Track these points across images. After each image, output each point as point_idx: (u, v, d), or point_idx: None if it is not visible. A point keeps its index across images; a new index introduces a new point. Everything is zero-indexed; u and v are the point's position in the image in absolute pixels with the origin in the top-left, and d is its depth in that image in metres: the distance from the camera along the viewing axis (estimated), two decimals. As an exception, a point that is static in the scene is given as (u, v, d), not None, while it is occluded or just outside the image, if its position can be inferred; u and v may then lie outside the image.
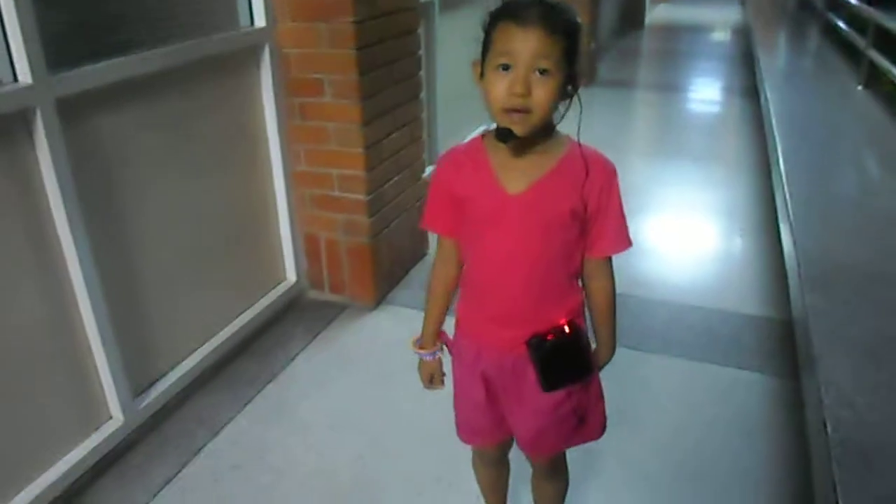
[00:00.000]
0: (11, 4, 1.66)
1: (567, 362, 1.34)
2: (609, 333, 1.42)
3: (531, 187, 1.24)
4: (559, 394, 1.36)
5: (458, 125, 4.68)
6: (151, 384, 2.32)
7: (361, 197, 2.75)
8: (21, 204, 1.81)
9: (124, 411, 2.17)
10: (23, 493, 1.91)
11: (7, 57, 1.72)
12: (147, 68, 2.09)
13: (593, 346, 1.40)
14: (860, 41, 4.59)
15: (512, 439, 1.56)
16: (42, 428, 1.97)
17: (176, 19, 2.29)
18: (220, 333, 2.59)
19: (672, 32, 11.41)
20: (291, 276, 2.97)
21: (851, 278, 2.05)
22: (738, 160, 4.91)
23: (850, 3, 5.52)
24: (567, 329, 1.32)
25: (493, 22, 1.18)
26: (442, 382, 1.55)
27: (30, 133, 1.78)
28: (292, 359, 2.65)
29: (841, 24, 5.77)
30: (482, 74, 1.20)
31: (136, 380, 2.24)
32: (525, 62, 1.13)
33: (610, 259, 1.36)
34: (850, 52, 5.22)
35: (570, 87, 1.20)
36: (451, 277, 1.44)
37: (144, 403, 2.25)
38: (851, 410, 1.47)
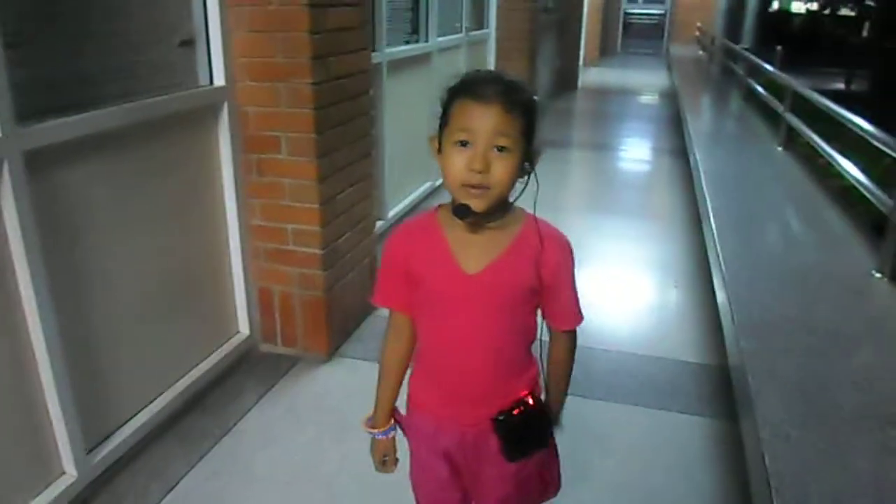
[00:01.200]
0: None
1: (531, 433, 1.33)
2: (563, 390, 1.42)
3: (489, 266, 1.23)
4: (521, 461, 1.35)
5: (404, 182, 4.82)
6: (104, 438, 2.29)
7: (316, 251, 2.81)
8: (-18, 256, 1.82)
9: (77, 466, 2.14)
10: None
11: (-24, 111, 1.75)
12: (111, 123, 2.13)
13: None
14: (779, 106, 4.95)
15: None
16: (-7, 485, 1.93)
17: (139, 77, 2.36)
18: (174, 386, 2.58)
19: (603, 94, 11.95)
20: (244, 329, 2.99)
21: (779, 325, 2.22)
22: (670, 216, 5.16)
23: (768, 70, 5.95)
24: (531, 401, 1.31)
25: (452, 98, 1.19)
26: (395, 463, 1.50)
27: (-6, 185, 1.80)
28: (246, 412, 2.65)
29: (760, 90, 6.20)
30: (440, 149, 1.20)
31: (90, 434, 2.21)
32: (484, 139, 1.13)
33: (567, 333, 1.36)
34: (770, 116, 5.61)
35: (527, 164, 1.21)
36: (403, 354, 1.40)
37: (98, 458, 2.22)
38: (787, 443, 1.59)
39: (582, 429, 2.52)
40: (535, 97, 1.23)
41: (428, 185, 5.35)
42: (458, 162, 1.15)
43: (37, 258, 1.90)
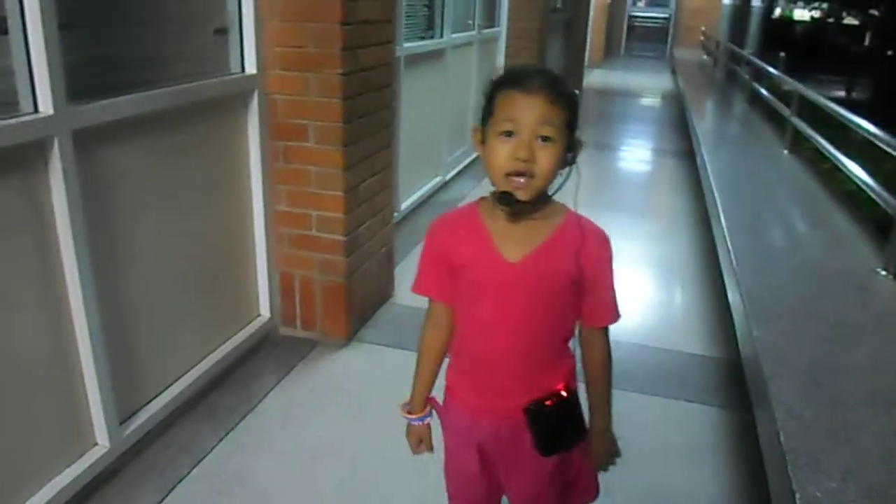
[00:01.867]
0: (40, 39, 1.78)
1: (565, 426, 1.34)
2: (606, 400, 1.40)
3: (530, 255, 1.24)
4: (555, 457, 1.36)
5: (416, 176, 4.91)
6: (136, 411, 2.37)
7: (339, 237, 2.89)
8: (31, 227, 1.89)
9: (110, 438, 2.22)
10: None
11: (30, 88, 1.83)
12: (151, 106, 2.21)
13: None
14: (785, 110, 5.04)
15: None
16: (31, 451, 2.00)
17: (176, 63, 2.43)
18: (200, 364, 2.66)
19: (607, 96, 12.05)
20: (265, 312, 3.07)
21: (789, 315, 2.31)
22: (673, 215, 5.25)
23: (775, 74, 6.04)
24: (564, 393, 1.32)
25: (497, 89, 1.22)
26: (431, 448, 1.51)
27: (45, 161, 1.87)
28: (268, 392, 2.73)
29: (765, 94, 6.30)
30: (483, 140, 1.23)
31: (123, 407, 2.29)
32: (529, 128, 1.16)
33: (606, 328, 1.36)
34: (776, 120, 5.70)
35: (569, 155, 1.23)
36: (441, 343, 1.41)
37: (129, 430, 2.30)
38: (799, 422, 1.68)
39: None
40: (576, 92, 1.26)
41: (438, 179, 5.43)
42: (503, 151, 1.17)
43: (81, 233, 1.98)
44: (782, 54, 6.66)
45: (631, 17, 20.95)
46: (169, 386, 2.52)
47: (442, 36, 5.18)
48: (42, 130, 1.83)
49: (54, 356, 2.04)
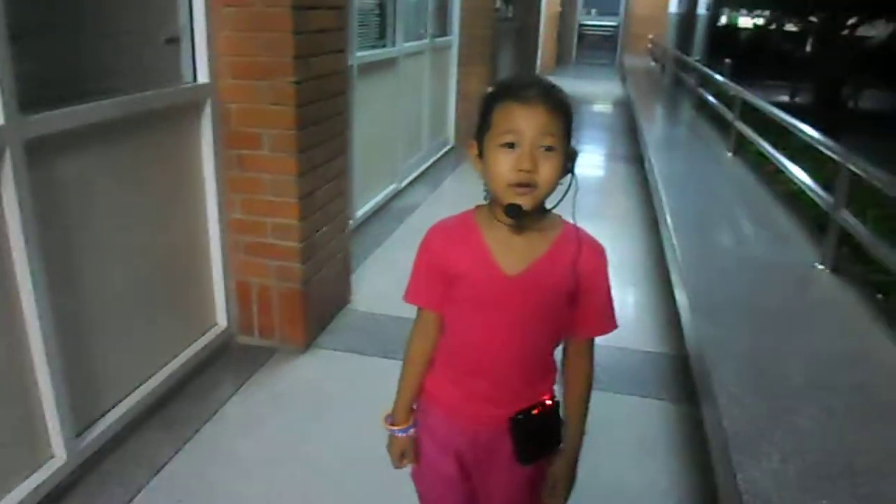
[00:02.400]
0: (-12, 50, 1.78)
1: (546, 435, 1.35)
2: (583, 415, 1.39)
3: (529, 268, 1.24)
4: (532, 465, 1.36)
5: (371, 183, 4.94)
6: (92, 423, 2.35)
7: (295, 244, 2.91)
8: (-18, 240, 1.88)
9: (67, 449, 2.20)
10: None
11: (-20, 101, 1.82)
12: (103, 116, 2.21)
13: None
14: (728, 114, 5.22)
15: None
16: (-13, 464, 1.98)
17: (127, 73, 2.44)
18: (157, 374, 2.65)
19: (560, 103, 12.21)
20: (222, 321, 3.06)
21: (732, 308, 2.41)
22: (625, 218, 5.38)
23: (720, 80, 6.24)
24: (549, 403, 1.33)
25: (493, 103, 1.21)
26: (413, 461, 1.49)
27: (-5, 171, 1.87)
28: (227, 400, 2.73)
29: (711, 99, 6.49)
30: (480, 153, 1.23)
31: (79, 419, 2.27)
32: (531, 140, 1.16)
33: (593, 341, 1.37)
34: (720, 124, 5.89)
35: (569, 164, 1.23)
36: (428, 353, 1.40)
37: (86, 442, 2.28)
38: (741, 408, 1.77)
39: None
40: (571, 101, 1.24)
41: (393, 186, 5.47)
42: (505, 163, 1.17)
43: (34, 243, 1.97)
44: (728, 60, 6.86)
45: (581, 25, 21.31)
46: (126, 396, 2.50)
47: (394, 44, 5.23)
48: (-9, 141, 1.83)
49: (8, 367, 2.02)
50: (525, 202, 1.18)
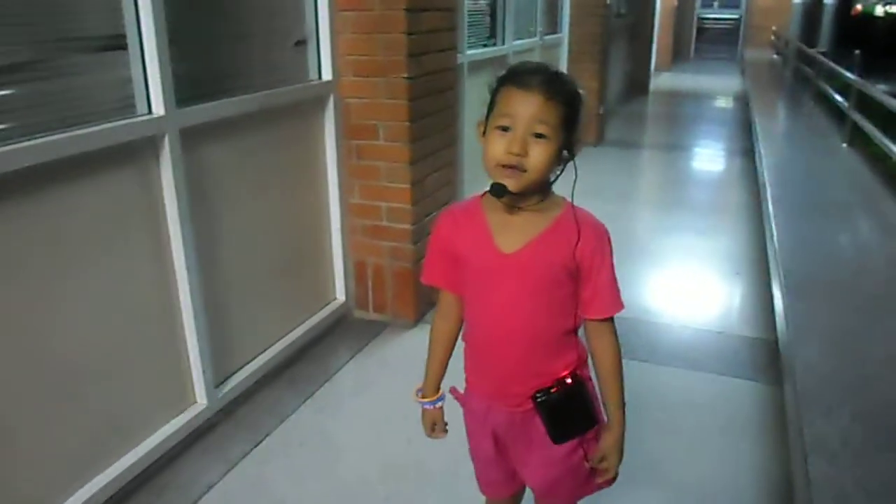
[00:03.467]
0: (154, 51, 2.12)
1: (574, 413, 1.36)
2: (618, 398, 1.39)
3: (525, 246, 1.28)
4: (570, 444, 1.38)
5: (479, 176, 5.15)
6: (228, 377, 2.70)
7: (407, 226, 3.18)
8: (146, 211, 2.24)
9: (208, 397, 2.55)
10: (125, 457, 2.25)
11: (145, 93, 2.18)
12: (243, 109, 2.55)
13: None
14: (844, 104, 5.08)
15: (524, 492, 1.61)
16: (144, 405, 2.34)
17: (264, 72, 2.77)
18: (283, 339, 2.98)
19: (675, 98, 12.05)
20: (341, 296, 3.38)
21: (823, 289, 2.46)
22: (737, 211, 5.34)
23: (839, 72, 6.05)
24: (569, 380, 1.34)
25: (499, 86, 1.26)
26: (444, 431, 1.57)
27: (157, 155, 2.22)
28: (344, 365, 3.03)
29: (830, 91, 6.30)
30: (485, 133, 1.28)
31: (217, 372, 2.62)
32: (523, 124, 1.19)
33: (611, 319, 1.36)
34: (838, 115, 5.72)
35: (565, 153, 1.26)
36: (449, 333, 1.48)
37: (223, 392, 2.63)
38: (818, 376, 1.86)
39: (644, 388, 2.79)
40: (581, 90, 1.27)
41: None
42: (498, 145, 1.21)
43: (186, 216, 2.32)
44: (857, 52, 6.58)
45: (700, 18, 20.71)
46: (257, 356, 2.84)
47: (504, 43, 5.43)
48: (155, 128, 2.18)
49: (163, 324, 2.38)
50: (510, 184, 1.21)
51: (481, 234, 1.30)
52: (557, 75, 1.24)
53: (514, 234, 1.29)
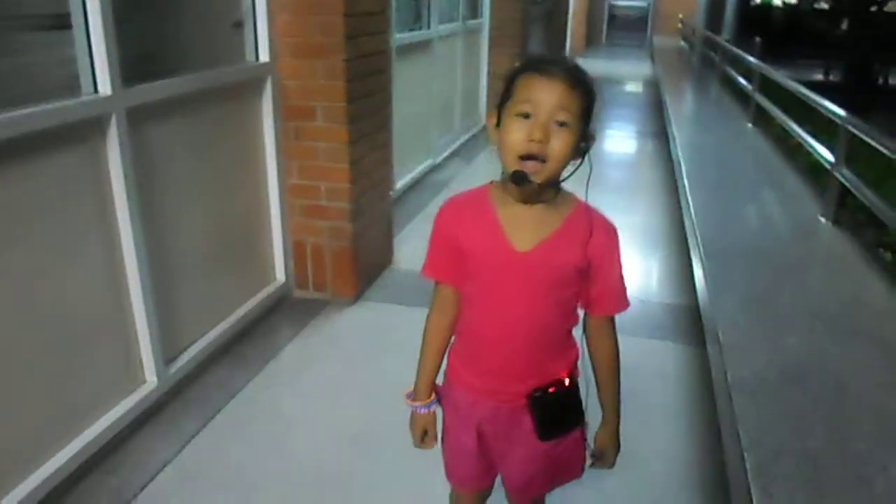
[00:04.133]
0: (100, 31, 2.13)
1: (565, 413, 1.37)
2: (615, 397, 1.42)
3: (539, 245, 1.25)
4: (550, 441, 1.39)
5: (408, 158, 5.27)
6: (177, 356, 2.73)
7: (345, 205, 3.26)
8: (92, 191, 2.24)
9: (158, 376, 2.57)
10: (77, 439, 2.26)
11: (91, 73, 2.18)
12: (185, 88, 2.57)
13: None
14: (748, 86, 5.44)
15: (492, 488, 1.60)
16: (93, 385, 2.34)
17: (202, 53, 2.79)
18: (228, 318, 3.02)
19: (590, 84, 12.41)
20: (281, 276, 3.43)
21: (738, 253, 2.70)
22: (651, 189, 5.64)
23: (743, 57, 6.45)
24: (567, 382, 1.35)
25: (517, 75, 1.22)
26: (434, 440, 1.51)
27: (104, 135, 2.23)
28: (289, 342, 3.10)
29: (733, 74, 6.70)
30: (498, 123, 1.23)
31: (166, 350, 2.64)
32: (546, 111, 1.16)
33: (613, 318, 1.38)
34: (743, 98, 6.10)
35: (583, 144, 1.23)
36: (446, 329, 1.42)
37: (172, 370, 2.66)
38: (736, 328, 2.07)
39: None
40: (595, 85, 1.25)
41: (429, 162, 5.79)
42: (518, 132, 1.17)
43: (133, 194, 2.33)
44: (758, 39, 6.99)
45: (611, 6, 21.37)
46: (203, 335, 2.88)
47: (429, 27, 5.54)
48: (102, 108, 2.19)
49: (111, 302, 2.39)
50: (534, 175, 1.18)
51: (492, 230, 1.26)
52: (577, 67, 1.22)
53: (527, 230, 1.25)
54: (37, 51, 2.11)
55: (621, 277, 1.34)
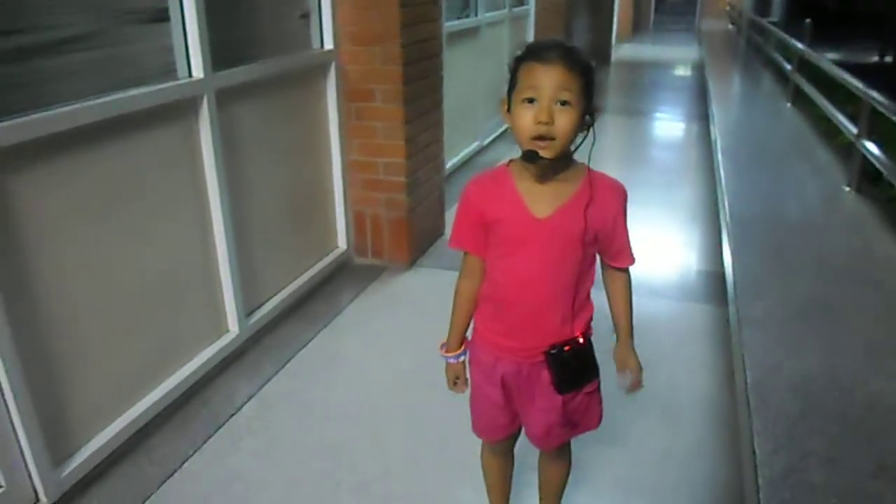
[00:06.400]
0: (195, 21, 2.48)
1: (581, 368, 1.51)
2: (628, 311, 1.57)
3: (556, 212, 1.39)
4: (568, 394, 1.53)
5: (457, 140, 5.57)
6: (255, 309, 3.09)
7: (402, 179, 3.58)
8: (187, 161, 2.60)
9: (240, 326, 2.94)
10: (175, 375, 2.63)
11: (186, 58, 2.53)
12: (262, 73, 2.92)
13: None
14: (787, 67, 5.58)
15: (519, 432, 1.74)
16: (186, 332, 2.71)
17: (278, 41, 3.13)
18: (296, 281, 3.38)
19: (636, 68, 12.52)
20: (342, 244, 3.78)
21: (762, 218, 2.93)
22: (694, 169, 5.82)
23: (786, 40, 6.55)
24: (581, 340, 1.48)
25: (519, 63, 1.35)
26: (465, 384, 1.69)
27: (196, 113, 2.59)
28: (350, 301, 3.44)
29: (777, 57, 6.80)
30: (509, 109, 1.37)
31: (246, 304, 3.00)
32: (548, 94, 1.28)
33: (625, 269, 1.53)
34: (784, 79, 6.23)
35: (588, 117, 1.35)
36: (474, 292, 1.57)
37: (253, 321, 3.02)
38: (751, 274, 2.32)
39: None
40: (593, 63, 1.37)
41: (476, 144, 6.08)
42: (527, 116, 1.31)
43: (220, 166, 2.69)
44: (808, 21, 7.01)
45: (660, -9, 21.25)
46: (276, 294, 3.23)
47: (476, 15, 5.81)
48: (196, 90, 2.54)
49: (202, 259, 2.75)
50: (544, 153, 1.32)
51: (513, 201, 1.41)
52: (572, 49, 1.34)
53: (544, 200, 1.39)
54: (140, 41, 2.46)
55: (627, 233, 1.49)
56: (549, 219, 1.38)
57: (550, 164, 1.35)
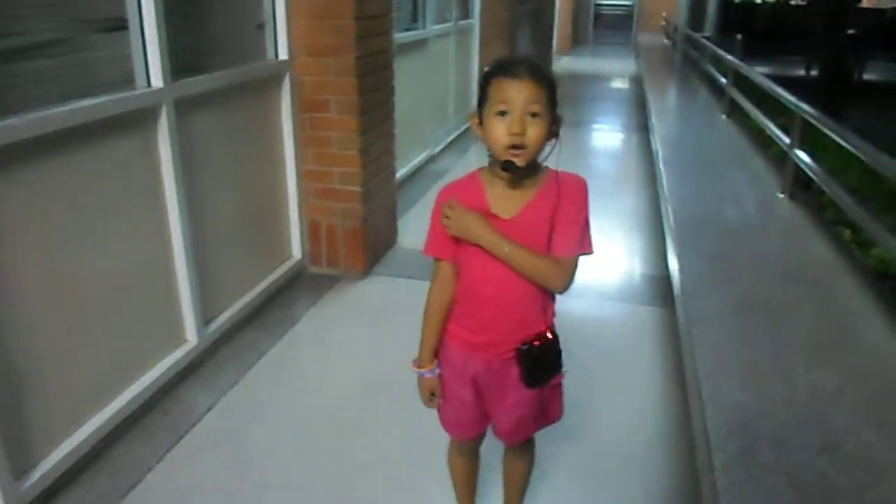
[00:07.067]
0: (154, 31, 2.49)
1: (548, 362, 1.58)
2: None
3: (520, 212, 1.48)
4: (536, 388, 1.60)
5: (406, 150, 5.64)
6: (211, 319, 3.09)
7: (357, 188, 3.63)
8: (145, 171, 2.60)
9: (198, 336, 2.93)
10: (134, 385, 2.61)
11: (144, 67, 2.54)
12: (222, 82, 2.94)
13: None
14: (724, 82, 5.85)
15: (486, 432, 1.80)
16: (142, 342, 2.68)
17: (234, 51, 3.15)
18: (254, 290, 3.38)
19: (576, 80, 12.83)
20: (297, 253, 3.80)
21: (702, 221, 3.09)
22: (635, 178, 6.04)
23: (720, 54, 6.84)
24: (550, 335, 1.56)
25: (489, 79, 1.43)
26: (442, 398, 1.71)
27: (155, 121, 2.59)
28: (307, 311, 3.46)
29: (713, 71, 7.10)
30: (480, 122, 1.46)
31: (204, 313, 3.00)
32: (520, 107, 1.37)
33: (575, 261, 1.52)
34: (720, 92, 6.51)
35: (554, 127, 1.45)
36: (446, 303, 1.62)
37: (210, 330, 3.02)
38: (696, 276, 2.46)
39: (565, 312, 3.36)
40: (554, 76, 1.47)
41: (426, 153, 6.16)
42: (500, 128, 1.40)
43: (178, 175, 2.69)
44: (739, 37, 7.30)
45: (597, 5, 21.82)
46: (232, 304, 3.24)
47: (424, 27, 5.91)
48: (155, 99, 2.55)
49: (160, 270, 2.75)
50: (518, 161, 1.41)
51: (482, 204, 1.49)
52: (537, 65, 1.44)
53: (510, 202, 1.48)
54: (99, 49, 2.46)
55: (584, 222, 1.52)
56: (515, 219, 1.47)
57: (523, 171, 1.44)
